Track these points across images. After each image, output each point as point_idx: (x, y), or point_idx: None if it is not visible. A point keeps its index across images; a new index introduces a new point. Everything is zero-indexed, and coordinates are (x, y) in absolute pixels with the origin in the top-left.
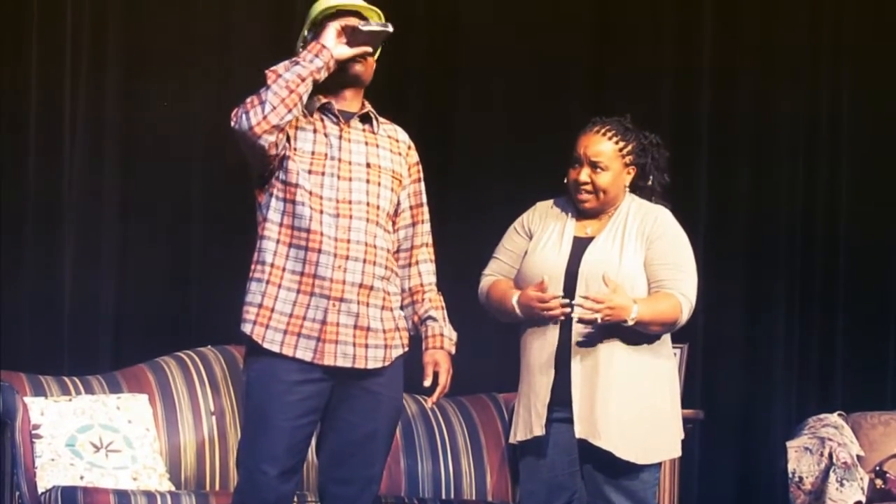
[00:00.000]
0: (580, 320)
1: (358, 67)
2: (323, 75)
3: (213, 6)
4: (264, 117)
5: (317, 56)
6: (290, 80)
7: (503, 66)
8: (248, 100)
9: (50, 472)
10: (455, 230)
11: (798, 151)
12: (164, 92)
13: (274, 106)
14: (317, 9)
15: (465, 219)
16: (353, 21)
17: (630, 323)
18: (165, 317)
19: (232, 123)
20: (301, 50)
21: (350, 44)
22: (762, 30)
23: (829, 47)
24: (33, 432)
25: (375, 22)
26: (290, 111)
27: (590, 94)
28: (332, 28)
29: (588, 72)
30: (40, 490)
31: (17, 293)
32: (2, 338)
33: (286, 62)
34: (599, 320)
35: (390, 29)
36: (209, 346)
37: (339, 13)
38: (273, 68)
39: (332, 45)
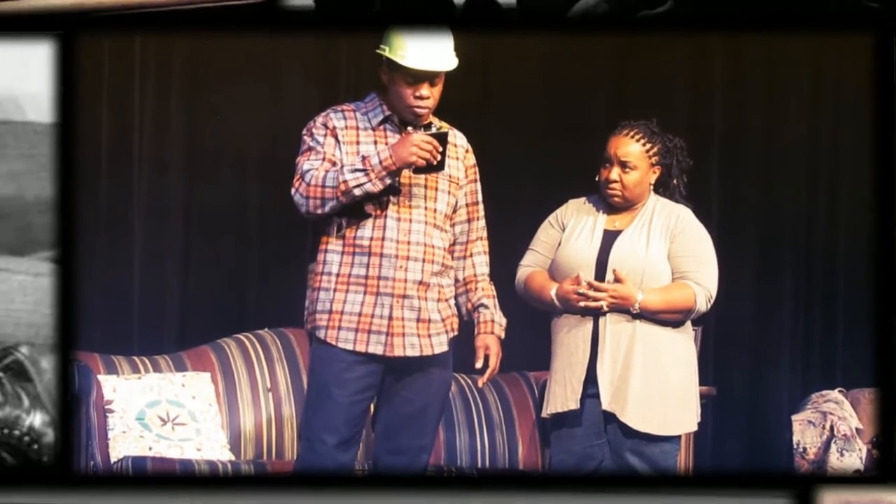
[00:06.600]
0: (587, 307)
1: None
2: None
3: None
4: (323, 211)
5: (388, 175)
6: (356, 196)
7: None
8: (312, 184)
9: (121, 444)
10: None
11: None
12: (223, 105)
13: (333, 208)
14: (400, 47)
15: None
16: (433, 144)
17: (636, 310)
18: (226, 306)
19: (291, 192)
20: (384, 59)
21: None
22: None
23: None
24: (106, 407)
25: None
26: (344, 206)
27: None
28: (414, 157)
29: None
30: (113, 459)
31: (93, 284)
32: (80, 322)
33: (359, 174)
34: (605, 307)
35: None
36: (266, 329)
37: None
38: (346, 179)
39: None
